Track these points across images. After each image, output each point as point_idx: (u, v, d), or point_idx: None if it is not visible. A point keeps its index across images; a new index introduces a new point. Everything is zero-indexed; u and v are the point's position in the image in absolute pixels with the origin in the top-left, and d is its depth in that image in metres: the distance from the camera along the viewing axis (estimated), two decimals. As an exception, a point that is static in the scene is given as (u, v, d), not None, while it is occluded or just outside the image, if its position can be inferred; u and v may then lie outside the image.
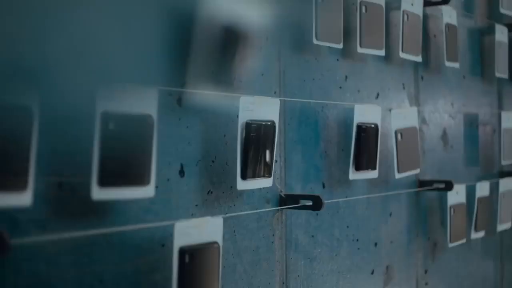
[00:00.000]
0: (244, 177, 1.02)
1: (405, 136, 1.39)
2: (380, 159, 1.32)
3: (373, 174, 1.30)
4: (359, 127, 1.27)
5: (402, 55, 1.41)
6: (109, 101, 0.83)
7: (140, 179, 0.87)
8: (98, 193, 0.82)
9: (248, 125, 1.02)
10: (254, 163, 1.03)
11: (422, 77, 1.54)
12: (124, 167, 0.85)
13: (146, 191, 0.88)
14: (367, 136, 1.28)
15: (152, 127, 0.88)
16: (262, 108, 1.06)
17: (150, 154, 0.88)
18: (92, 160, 0.82)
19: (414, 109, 1.46)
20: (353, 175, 1.25)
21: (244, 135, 1.02)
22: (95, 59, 0.83)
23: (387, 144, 1.38)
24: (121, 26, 0.85)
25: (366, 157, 1.28)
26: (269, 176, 1.07)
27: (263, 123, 1.05)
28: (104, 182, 0.82)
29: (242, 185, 1.02)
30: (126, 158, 0.85)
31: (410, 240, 1.49)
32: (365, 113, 1.29)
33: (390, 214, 1.43)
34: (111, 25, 0.85)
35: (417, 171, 1.44)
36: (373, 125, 1.30)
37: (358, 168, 1.26)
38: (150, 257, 0.95)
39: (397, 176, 1.36)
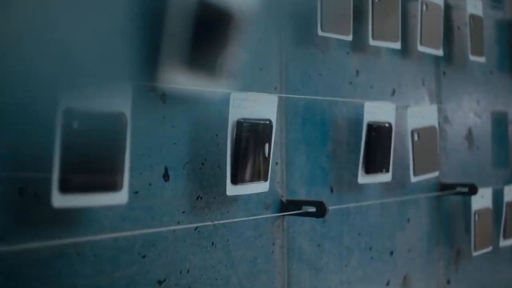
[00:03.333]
0: (235, 181, 0.92)
1: (422, 136, 1.28)
2: (395, 160, 1.22)
3: (385, 177, 1.19)
4: (370, 126, 1.16)
5: (421, 48, 1.30)
6: (74, 97, 0.74)
7: (110, 185, 0.78)
8: (60, 200, 0.73)
9: (239, 124, 0.93)
10: (246, 166, 0.94)
11: (444, 73, 1.43)
12: (90, 171, 0.76)
13: (118, 198, 0.79)
14: (378, 136, 1.17)
15: (125, 126, 0.79)
16: (257, 105, 0.96)
17: (122, 156, 0.78)
18: (53, 163, 0.73)
19: (434, 107, 1.35)
20: (363, 178, 1.15)
21: (235, 135, 0.93)
22: (57, 49, 0.75)
23: (403, 145, 1.28)
24: (88, 10, 0.77)
25: (378, 159, 1.17)
26: (265, 180, 0.97)
27: (258, 121, 0.95)
28: (66, 187, 0.73)
29: (232, 190, 0.93)
30: (92, 161, 0.76)
31: (430, 248, 1.38)
32: (377, 111, 1.19)
33: (408, 220, 1.32)
34: (75, 10, 0.76)
35: (436, 174, 1.33)
36: (386, 124, 1.19)
37: (368, 171, 1.15)
38: (128, 270, 0.86)
39: (413, 179, 1.26)
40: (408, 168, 1.26)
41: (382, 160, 1.18)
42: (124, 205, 0.82)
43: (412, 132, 1.26)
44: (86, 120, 0.74)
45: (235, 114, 0.93)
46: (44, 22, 0.74)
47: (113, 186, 0.78)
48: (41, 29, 0.73)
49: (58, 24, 0.74)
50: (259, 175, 0.96)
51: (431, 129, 1.32)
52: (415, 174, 1.26)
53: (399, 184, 1.28)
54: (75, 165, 0.74)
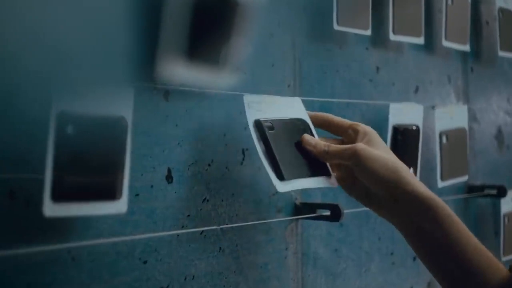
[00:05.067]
0: (281, 178, 0.86)
1: (451, 139, 1.22)
2: (421, 163, 1.16)
3: None
4: (396, 129, 1.10)
5: (446, 43, 1.24)
6: (69, 99, 0.70)
7: (107, 193, 0.73)
8: (52, 209, 0.69)
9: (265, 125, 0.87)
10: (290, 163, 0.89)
11: (472, 69, 1.37)
12: (85, 178, 0.71)
13: (116, 207, 0.74)
14: (404, 140, 1.11)
15: (125, 131, 0.74)
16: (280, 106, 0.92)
17: (121, 163, 0.73)
18: (45, 171, 0.69)
19: (464, 107, 1.28)
20: None
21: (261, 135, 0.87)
22: (50, 48, 0.71)
23: (429, 147, 1.22)
24: (83, 7, 0.73)
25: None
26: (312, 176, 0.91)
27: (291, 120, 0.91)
28: (59, 196, 0.69)
29: (282, 187, 0.87)
30: (88, 168, 0.71)
31: (457, 253, 1.32)
32: (403, 113, 1.13)
33: (433, 224, 1.26)
34: (70, 7, 0.72)
35: (465, 178, 1.27)
36: (413, 127, 1.13)
37: None
38: (128, 276, 0.81)
39: (440, 184, 1.19)
40: (434, 171, 1.20)
41: (409, 165, 1.12)
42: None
43: (440, 135, 1.20)
44: (81, 125, 0.70)
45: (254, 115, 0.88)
46: (37, 19, 0.70)
47: (111, 194, 0.73)
48: (33, 27, 0.70)
49: (51, 22, 0.70)
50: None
51: (460, 131, 1.25)
52: (442, 179, 1.20)
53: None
54: (69, 172, 0.69)
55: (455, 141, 1.23)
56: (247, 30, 0.83)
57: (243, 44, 0.84)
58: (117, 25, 0.75)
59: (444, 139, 1.21)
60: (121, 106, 0.74)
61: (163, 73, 0.79)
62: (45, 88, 0.70)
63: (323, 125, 0.94)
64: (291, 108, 0.92)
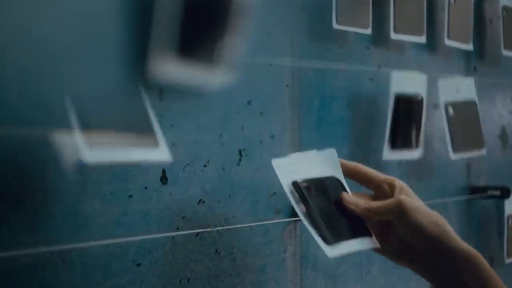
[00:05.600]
0: (328, 242, 0.84)
1: (458, 111, 1.18)
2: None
3: (415, 153, 1.11)
4: (398, 99, 1.08)
5: (448, 42, 1.22)
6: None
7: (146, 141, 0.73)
8: (91, 155, 0.68)
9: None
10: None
11: (475, 68, 1.35)
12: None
13: (158, 154, 0.75)
14: (407, 110, 1.09)
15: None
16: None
17: (148, 117, 0.73)
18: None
19: (471, 80, 1.26)
20: (389, 154, 1.07)
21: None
22: (37, 53, 0.69)
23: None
24: (68, 4, 0.71)
25: (406, 133, 1.10)
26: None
27: None
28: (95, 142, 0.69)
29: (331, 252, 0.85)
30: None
31: (460, 255, 1.30)
32: (406, 83, 1.11)
33: (435, 225, 1.24)
34: (56, 7, 0.71)
35: (483, 151, 1.24)
36: (418, 97, 1.11)
37: (394, 145, 1.08)
38: (121, 279, 0.80)
39: (453, 157, 1.17)
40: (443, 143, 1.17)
41: (411, 134, 1.10)
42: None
43: (446, 106, 1.17)
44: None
45: None
46: (22, 17, 0.69)
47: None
48: (19, 25, 0.68)
49: (36, 18, 0.69)
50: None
51: (469, 104, 1.22)
52: (455, 152, 1.17)
53: (427, 188, 1.20)
54: None
55: (464, 113, 1.21)
56: (242, 28, 0.81)
57: (238, 42, 0.82)
58: (107, 22, 0.74)
59: (450, 111, 1.18)
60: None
61: (156, 72, 0.78)
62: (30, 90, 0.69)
63: (355, 176, 0.91)
64: (322, 162, 0.89)
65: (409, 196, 0.87)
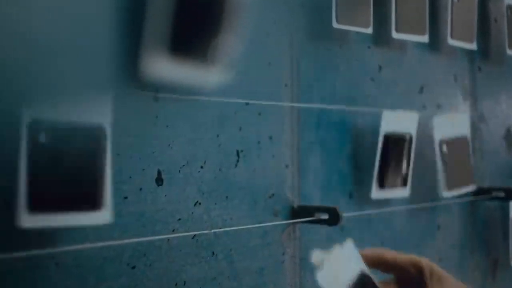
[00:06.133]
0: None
1: (451, 148, 1.18)
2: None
3: (403, 192, 1.10)
4: (387, 138, 1.07)
5: (451, 42, 1.20)
6: (41, 108, 0.67)
7: (88, 203, 0.70)
8: (29, 220, 0.66)
9: None
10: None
11: (479, 68, 1.33)
12: (62, 189, 0.68)
13: (98, 217, 0.72)
14: (395, 148, 1.08)
15: (104, 139, 0.71)
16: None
17: (101, 172, 0.71)
18: (19, 180, 0.66)
19: (465, 115, 1.25)
20: (377, 193, 1.06)
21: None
22: (22, 53, 0.68)
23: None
24: (58, 3, 0.70)
25: (395, 172, 1.09)
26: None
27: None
28: (36, 207, 0.66)
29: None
30: (65, 178, 0.68)
31: (464, 257, 1.28)
32: (396, 121, 1.09)
33: (438, 228, 1.23)
34: (43, 5, 0.69)
35: (472, 187, 1.23)
36: (407, 136, 1.10)
37: (382, 184, 1.07)
38: (115, 282, 0.79)
39: (445, 195, 1.16)
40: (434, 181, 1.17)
41: (401, 173, 1.09)
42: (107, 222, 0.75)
43: (440, 144, 1.16)
44: (55, 134, 0.67)
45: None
46: (9, 14, 0.67)
47: (92, 204, 0.70)
48: (5, 22, 0.67)
49: (22, 15, 0.67)
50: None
51: (461, 140, 1.21)
52: (448, 189, 1.16)
53: (430, 190, 1.19)
54: (44, 182, 0.67)
55: (457, 150, 1.20)
56: (239, 26, 0.80)
57: (234, 41, 0.81)
58: (99, 21, 0.72)
59: (444, 148, 1.17)
60: (99, 113, 0.71)
61: (151, 72, 0.77)
62: (15, 93, 0.68)
63: (375, 265, 0.82)
64: (348, 259, 0.84)
65: (442, 280, 0.81)
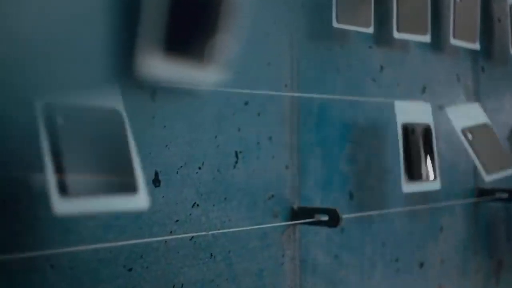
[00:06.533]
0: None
1: (476, 134, 1.16)
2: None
3: (434, 185, 1.08)
4: (406, 128, 1.05)
5: (454, 41, 1.19)
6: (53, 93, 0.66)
7: (122, 187, 0.68)
8: (62, 206, 0.63)
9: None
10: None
11: (482, 68, 1.32)
12: (96, 173, 0.66)
13: (136, 202, 0.69)
14: (416, 139, 1.06)
15: (122, 121, 0.71)
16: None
17: (129, 155, 0.69)
18: (45, 165, 0.64)
19: (476, 104, 1.23)
20: (407, 187, 1.04)
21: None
22: (19, 42, 0.67)
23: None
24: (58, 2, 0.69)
25: (422, 164, 1.07)
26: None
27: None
28: (68, 192, 0.64)
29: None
30: (94, 160, 0.67)
31: (467, 259, 1.27)
32: (410, 112, 1.08)
33: (441, 229, 1.22)
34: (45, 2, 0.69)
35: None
36: (425, 126, 1.08)
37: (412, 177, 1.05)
38: (111, 285, 0.78)
39: (487, 179, 1.14)
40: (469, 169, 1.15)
41: (427, 164, 1.07)
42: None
43: (464, 132, 1.14)
44: (73, 116, 0.66)
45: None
46: (9, 13, 0.67)
47: (127, 186, 0.69)
48: (6, 21, 0.66)
49: (21, 13, 0.67)
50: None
51: (483, 127, 1.19)
52: (488, 173, 1.14)
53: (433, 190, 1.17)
54: (72, 166, 0.65)
55: (483, 135, 1.18)
56: (237, 26, 0.79)
57: (233, 40, 0.80)
58: (94, 20, 0.72)
59: (469, 136, 1.15)
60: (112, 99, 0.71)
61: (147, 72, 0.76)
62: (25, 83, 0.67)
63: None
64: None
65: None
